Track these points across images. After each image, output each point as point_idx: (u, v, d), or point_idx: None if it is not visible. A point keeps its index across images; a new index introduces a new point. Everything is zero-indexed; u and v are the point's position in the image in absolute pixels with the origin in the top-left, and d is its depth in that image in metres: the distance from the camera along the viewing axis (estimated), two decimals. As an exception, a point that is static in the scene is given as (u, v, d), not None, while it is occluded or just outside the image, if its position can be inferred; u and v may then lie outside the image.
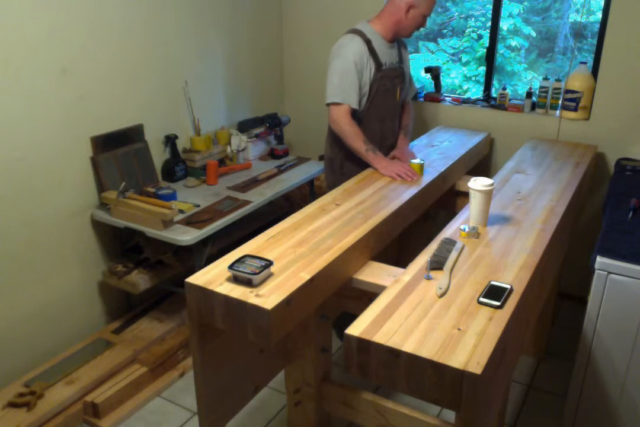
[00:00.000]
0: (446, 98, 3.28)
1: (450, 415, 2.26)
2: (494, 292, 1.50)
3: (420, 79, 3.94)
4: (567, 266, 2.81)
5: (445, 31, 4.84)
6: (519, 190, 2.23)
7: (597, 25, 2.87)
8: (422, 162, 2.34)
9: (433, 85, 3.30)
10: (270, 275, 1.57)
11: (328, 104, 2.40)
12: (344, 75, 2.36)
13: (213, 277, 1.57)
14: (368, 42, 2.40)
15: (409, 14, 2.39)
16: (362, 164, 2.43)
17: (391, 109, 2.58)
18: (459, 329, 1.37)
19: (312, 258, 1.67)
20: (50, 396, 2.28)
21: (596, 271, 1.88)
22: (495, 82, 3.30)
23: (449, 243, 1.76)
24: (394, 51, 2.53)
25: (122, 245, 2.73)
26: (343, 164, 2.57)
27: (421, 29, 2.50)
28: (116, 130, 2.62)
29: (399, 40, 2.59)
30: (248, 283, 1.52)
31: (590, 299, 1.93)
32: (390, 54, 2.50)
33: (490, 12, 3.12)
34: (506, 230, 1.88)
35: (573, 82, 2.84)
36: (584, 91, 2.82)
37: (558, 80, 2.95)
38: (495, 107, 3.10)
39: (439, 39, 4.82)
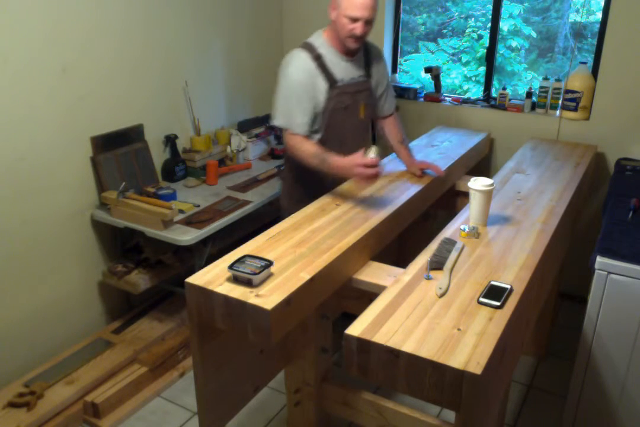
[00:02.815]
0: (446, 98, 3.28)
1: (450, 415, 2.25)
2: (494, 292, 1.50)
3: (421, 79, 3.94)
4: (567, 266, 2.81)
5: (445, 31, 4.84)
6: (519, 190, 2.23)
7: (597, 25, 2.87)
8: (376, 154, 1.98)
9: (433, 85, 3.30)
10: (270, 275, 1.57)
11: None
12: (288, 98, 2.15)
13: (213, 277, 1.57)
14: (317, 58, 2.15)
15: (333, 15, 2.11)
16: (312, 188, 2.22)
17: (354, 128, 2.32)
18: (459, 329, 1.37)
19: (312, 258, 1.67)
20: (50, 396, 2.28)
21: (596, 271, 1.88)
22: (495, 82, 3.30)
23: (449, 243, 1.76)
24: (354, 64, 2.24)
25: (122, 245, 2.73)
26: (293, 187, 2.38)
27: (357, 35, 2.08)
28: (116, 130, 2.61)
29: (371, 50, 2.32)
30: (248, 283, 1.52)
31: (590, 299, 1.93)
32: (349, 68, 2.22)
33: (490, 12, 3.11)
34: (506, 230, 1.88)
35: (573, 82, 2.84)
36: (584, 91, 2.82)
37: (558, 80, 2.95)
38: (495, 107, 3.10)
39: (439, 39, 4.81)
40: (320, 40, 2.19)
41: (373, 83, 2.33)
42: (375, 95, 2.37)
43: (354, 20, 2.05)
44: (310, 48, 2.17)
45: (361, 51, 2.27)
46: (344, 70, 2.21)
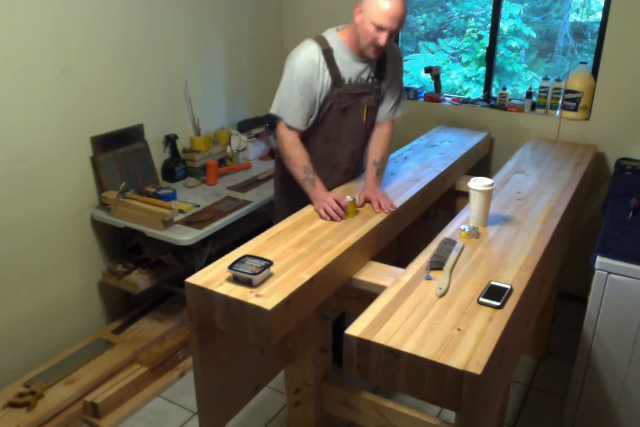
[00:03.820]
0: (446, 98, 3.28)
1: (450, 415, 2.25)
2: (494, 292, 1.50)
3: (421, 79, 3.94)
4: (567, 266, 2.81)
5: (445, 31, 4.84)
6: (519, 190, 2.23)
7: (597, 25, 2.87)
8: (353, 199, 2.01)
9: (433, 85, 3.30)
10: (270, 275, 1.57)
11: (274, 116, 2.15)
12: (288, 90, 2.07)
13: (213, 277, 1.57)
14: (327, 52, 2.05)
15: (358, 18, 1.98)
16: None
17: (350, 131, 2.20)
18: (459, 329, 1.37)
19: (312, 258, 1.67)
20: (50, 396, 2.28)
21: (596, 271, 1.88)
22: (495, 82, 3.30)
23: (449, 243, 1.76)
24: (366, 65, 2.12)
25: (122, 245, 2.73)
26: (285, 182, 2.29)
27: (380, 45, 1.97)
28: (116, 130, 2.61)
29: (389, 50, 2.17)
30: (248, 283, 1.52)
31: (590, 299, 1.93)
32: (359, 68, 2.11)
33: (490, 12, 3.11)
34: (506, 230, 1.88)
35: (573, 82, 2.84)
36: (584, 91, 2.82)
37: (558, 80, 2.95)
38: (495, 107, 3.10)
39: (439, 39, 4.81)
40: (332, 36, 2.09)
41: (384, 86, 2.20)
42: (387, 99, 2.24)
43: (380, 29, 1.93)
44: (322, 41, 2.07)
45: None
46: (353, 69, 2.10)
